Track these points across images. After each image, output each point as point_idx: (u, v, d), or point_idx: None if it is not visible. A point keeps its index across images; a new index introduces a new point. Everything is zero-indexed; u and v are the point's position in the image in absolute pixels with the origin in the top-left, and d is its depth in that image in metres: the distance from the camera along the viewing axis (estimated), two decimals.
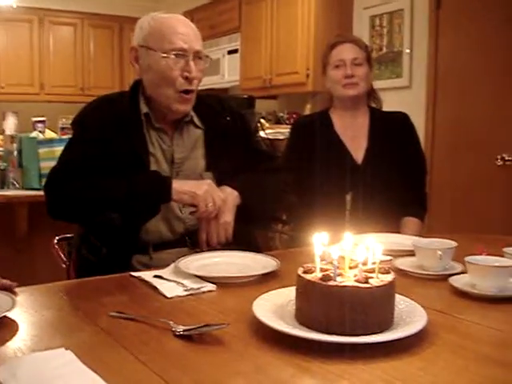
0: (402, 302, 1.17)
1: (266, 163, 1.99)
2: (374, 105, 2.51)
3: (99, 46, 7.04)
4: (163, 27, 1.80)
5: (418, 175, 2.48)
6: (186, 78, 1.78)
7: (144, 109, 1.85)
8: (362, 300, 1.03)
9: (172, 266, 1.57)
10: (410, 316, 1.12)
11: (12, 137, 3.38)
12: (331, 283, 1.05)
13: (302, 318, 1.10)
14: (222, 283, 1.43)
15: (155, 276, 1.49)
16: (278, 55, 5.04)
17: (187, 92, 1.80)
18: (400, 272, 1.55)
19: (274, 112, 5.45)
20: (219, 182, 1.83)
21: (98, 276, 1.57)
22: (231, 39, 5.66)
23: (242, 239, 1.83)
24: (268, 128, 4.66)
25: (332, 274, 1.07)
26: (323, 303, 1.05)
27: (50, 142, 3.34)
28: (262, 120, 4.76)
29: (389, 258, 1.65)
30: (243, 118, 2.06)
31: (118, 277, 1.55)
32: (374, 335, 1.02)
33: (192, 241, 1.83)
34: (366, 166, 2.37)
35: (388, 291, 1.08)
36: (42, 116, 6.24)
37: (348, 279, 1.07)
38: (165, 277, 1.48)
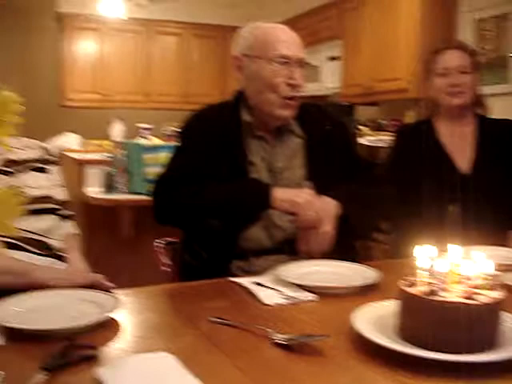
0: (509, 321, 1.11)
1: (366, 172, 1.96)
2: (480, 112, 2.41)
3: (202, 54, 7.23)
4: (267, 36, 1.82)
5: None
6: (290, 85, 1.80)
7: (246, 117, 1.88)
8: (468, 317, 0.99)
9: (271, 273, 1.57)
10: None
11: (120, 143, 3.52)
12: (435, 298, 1.02)
13: (404, 332, 1.07)
14: (322, 293, 1.42)
15: (254, 282, 1.50)
16: (380, 61, 4.96)
17: (290, 98, 1.82)
18: (508, 288, 1.47)
19: (374, 119, 5.37)
20: (319, 192, 1.82)
21: (198, 280, 1.60)
22: (331, 46, 5.62)
23: (342, 249, 1.80)
24: (368, 135, 4.59)
25: (436, 289, 1.04)
26: (426, 319, 1.02)
27: (154, 148, 3.45)
28: (362, 127, 4.70)
29: (496, 272, 1.57)
30: (344, 127, 2.04)
31: (218, 282, 1.58)
32: (478, 354, 0.98)
33: (291, 249, 1.82)
34: (473, 176, 2.27)
35: (495, 308, 1.03)
36: (148, 123, 6.51)
37: (453, 295, 1.03)
38: (264, 284, 1.49)
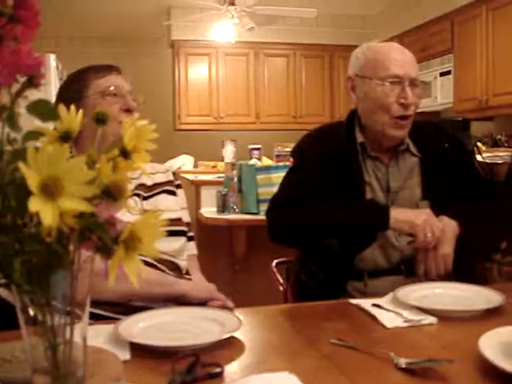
0: None
1: (486, 190, 1.89)
2: None
3: (311, 74, 7.29)
4: (378, 55, 1.82)
5: None
6: (402, 105, 1.78)
7: (360, 138, 1.88)
8: None
9: (390, 295, 1.55)
10: None
11: (232, 164, 3.61)
12: None
13: None
14: (444, 316, 1.38)
15: (373, 305, 1.49)
16: (495, 74, 4.78)
17: (403, 118, 1.80)
18: None
19: (490, 134, 5.17)
20: (436, 211, 1.78)
21: (314, 301, 1.61)
22: (443, 61, 5.50)
23: (461, 271, 1.75)
24: (485, 151, 4.42)
25: None
26: None
27: (267, 169, 3.50)
28: (479, 143, 4.53)
29: None
30: (461, 144, 1.99)
31: (336, 303, 1.58)
32: None
33: (408, 270, 1.80)
34: None
35: None
36: (258, 144, 6.63)
37: None
38: (383, 306, 1.47)
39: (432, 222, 1.68)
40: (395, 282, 1.75)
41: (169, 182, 1.83)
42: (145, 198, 1.72)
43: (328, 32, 7.22)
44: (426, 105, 5.61)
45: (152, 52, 7.32)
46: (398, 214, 1.70)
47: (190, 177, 4.09)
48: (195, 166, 6.62)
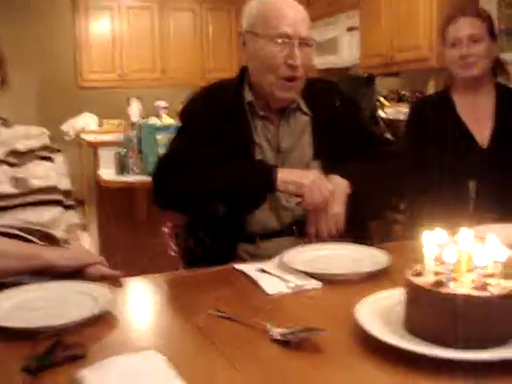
0: None
1: (379, 149, 1.86)
2: (502, 81, 2.29)
3: (217, 29, 7.08)
4: (269, 11, 1.71)
5: None
6: (290, 66, 1.69)
7: (248, 97, 1.79)
8: (478, 311, 0.91)
9: (277, 259, 1.50)
10: None
11: (131, 124, 3.46)
12: (443, 290, 0.93)
13: (411, 325, 0.99)
14: (329, 280, 1.35)
15: (259, 270, 1.44)
16: (399, 30, 4.78)
17: (291, 79, 1.71)
18: None
19: (396, 90, 5.21)
20: (328, 171, 1.74)
21: (204, 266, 1.54)
22: (349, 16, 5.46)
23: (354, 231, 1.73)
24: (388, 107, 4.47)
25: (445, 280, 0.96)
26: (433, 312, 0.94)
27: (167, 128, 3.39)
28: (382, 99, 4.57)
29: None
30: (354, 103, 1.94)
31: (221, 270, 1.51)
32: (490, 351, 0.90)
33: (300, 231, 1.75)
34: (493, 149, 2.16)
35: (510, 300, 0.94)
36: (165, 101, 6.44)
37: (463, 285, 0.95)
38: (268, 271, 1.42)
39: (320, 182, 1.63)
40: (287, 243, 1.70)
41: (44, 148, 1.69)
42: (15, 165, 1.59)
43: None
44: (333, 61, 5.59)
45: (50, 7, 6.89)
46: (285, 175, 1.64)
47: (89, 138, 3.90)
48: (100, 125, 6.38)
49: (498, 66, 2.26)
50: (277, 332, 1.04)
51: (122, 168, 3.36)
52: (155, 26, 6.83)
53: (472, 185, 2.13)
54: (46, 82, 7.00)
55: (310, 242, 1.67)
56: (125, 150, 3.37)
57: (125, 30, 6.71)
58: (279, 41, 1.68)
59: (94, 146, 3.67)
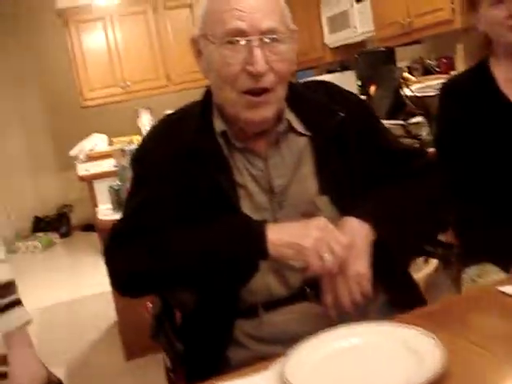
0: None
1: (405, 167, 1.38)
2: None
3: None
4: (217, 3, 1.24)
5: None
6: (250, 74, 1.21)
7: (219, 125, 1.31)
8: None
9: (276, 367, 1.03)
10: None
11: (122, 150, 3.03)
12: None
13: None
14: None
15: None
16: None
17: (256, 92, 1.23)
18: None
19: (420, 59, 4.65)
20: (342, 209, 1.28)
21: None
22: None
23: (387, 287, 1.27)
24: (415, 82, 3.92)
25: None
26: None
27: None
28: (407, 74, 4.03)
29: None
30: (365, 108, 1.44)
31: None
32: None
33: (315, 293, 1.28)
34: None
35: None
36: (175, 107, 5.99)
37: None
38: None
39: (328, 237, 1.15)
40: (300, 313, 1.26)
41: None
42: None
43: None
44: (346, 37, 5.07)
45: (39, 27, 6.52)
46: (277, 237, 1.17)
47: (81, 170, 3.49)
48: (110, 143, 6.01)
49: None
50: None
51: (119, 203, 2.93)
52: (152, 30, 6.35)
53: None
54: (48, 109, 6.70)
55: (327, 314, 1.21)
56: (119, 182, 2.94)
57: (121, 40, 6.26)
58: (231, 40, 1.21)
59: (88, 181, 3.25)
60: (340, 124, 1.33)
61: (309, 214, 1.29)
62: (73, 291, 4.66)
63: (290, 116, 1.33)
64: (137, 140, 6.05)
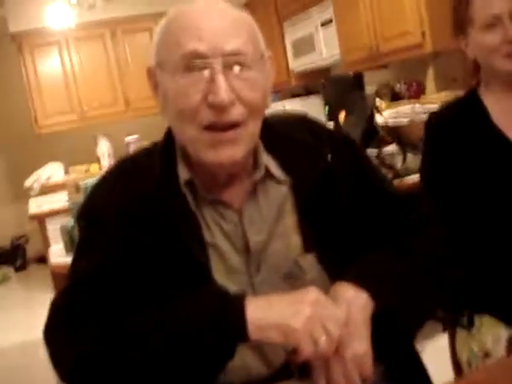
0: None
1: (406, 218, 1.19)
2: None
3: None
4: (175, 25, 1.04)
5: None
6: (212, 106, 1.00)
7: (184, 174, 1.10)
8: None
9: None
10: None
11: (76, 184, 2.78)
12: None
13: None
14: None
15: None
16: (382, 16, 4.10)
17: (220, 127, 1.02)
18: None
19: (387, 84, 4.53)
20: (330, 271, 1.08)
21: None
22: (322, 8, 4.78)
23: (391, 364, 1.07)
24: (385, 109, 3.77)
25: None
26: None
27: None
28: (378, 100, 3.88)
29: None
30: (353, 148, 1.24)
31: None
32: None
33: (302, 369, 1.07)
34: None
35: None
36: (134, 133, 5.76)
37: None
38: None
39: (323, 316, 0.94)
40: None
41: None
42: None
43: None
44: (312, 61, 4.93)
45: None
46: (260, 315, 0.95)
47: (33, 207, 3.21)
48: (66, 172, 5.75)
49: None
50: None
51: (73, 244, 2.67)
52: (110, 54, 6.08)
53: None
54: (2, 137, 6.40)
55: None
56: (72, 220, 2.69)
57: (77, 65, 5.97)
58: (188, 65, 1.00)
59: (40, 220, 2.98)
60: (327, 169, 1.14)
61: (292, 276, 1.10)
62: (28, 332, 4.35)
63: (267, 159, 1.13)
64: (93, 169, 5.79)
